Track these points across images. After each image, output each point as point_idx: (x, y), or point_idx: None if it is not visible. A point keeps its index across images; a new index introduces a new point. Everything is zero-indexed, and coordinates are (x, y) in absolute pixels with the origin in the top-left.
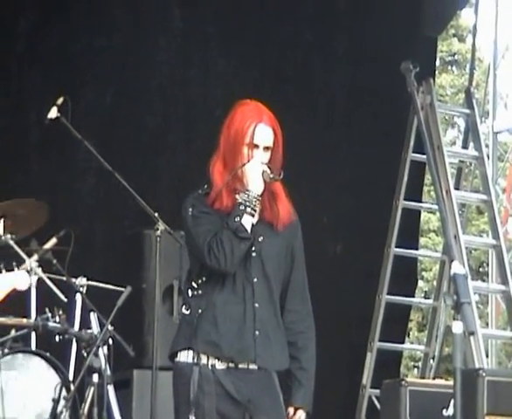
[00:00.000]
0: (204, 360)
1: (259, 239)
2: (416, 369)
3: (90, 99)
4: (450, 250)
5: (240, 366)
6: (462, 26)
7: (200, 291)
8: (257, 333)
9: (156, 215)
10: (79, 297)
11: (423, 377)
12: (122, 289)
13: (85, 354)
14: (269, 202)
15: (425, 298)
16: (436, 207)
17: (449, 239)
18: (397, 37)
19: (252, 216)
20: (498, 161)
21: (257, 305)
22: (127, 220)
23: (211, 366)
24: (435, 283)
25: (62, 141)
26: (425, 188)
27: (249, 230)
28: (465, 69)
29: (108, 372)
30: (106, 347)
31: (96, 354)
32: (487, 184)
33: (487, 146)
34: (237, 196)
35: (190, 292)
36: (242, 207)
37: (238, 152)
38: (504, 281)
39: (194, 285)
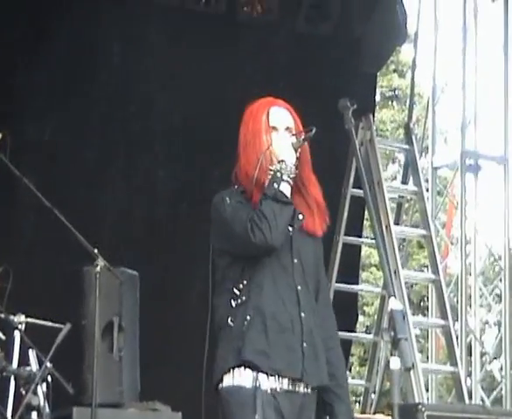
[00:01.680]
0: (264, 384)
1: (299, 219)
2: (357, 404)
3: (29, 134)
4: (388, 286)
5: (290, 387)
6: (402, 62)
7: (244, 298)
8: (305, 344)
9: (96, 251)
10: (17, 334)
11: (364, 412)
12: (62, 326)
13: (23, 392)
14: (304, 201)
15: (367, 332)
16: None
17: (387, 275)
18: (337, 73)
19: (290, 184)
20: (438, 196)
21: (303, 314)
22: (66, 256)
23: (271, 389)
24: (376, 317)
25: (1, 177)
26: (367, 223)
27: (289, 196)
28: (405, 104)
29: (47, 410)
30: (45, 385)
31: (35, 392)
32: (427, 219)
33: (427, 181)
34: (270, 168)
35: (233, 303)
36: (278, 174)
37: (258, 143)
38: (444, 316)
39: (236, 291)
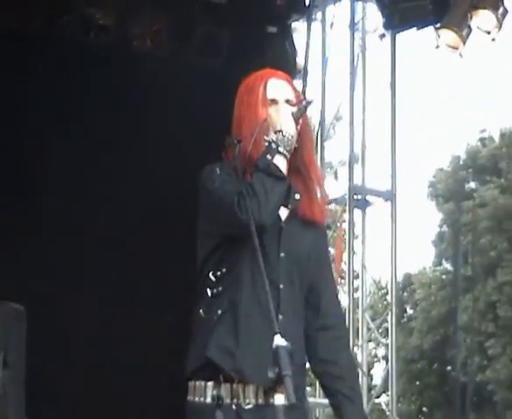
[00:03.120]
0: (227, 398)
1: (296, 198)
2: None
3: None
4: (273, 322)
5: (260, 401)
6: None
7: (220, 288)
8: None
9: None
10: None
11: None
12: None
13: None
14: (303, 184)
15: None
16: None
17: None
18: (228, 108)
19: (286, 158)
20: (327, 230)
21: (281, 317)
22: None
23: (236, 405)
24: None
25: None
26: None
27: (284, 171)
28: None
29: None
30: None
31: None
32: None
33: None
34: (265, 137)
35: (209, 292)
36: (273, 145)
37: (253, 117)
38: None
39: (212, 278)
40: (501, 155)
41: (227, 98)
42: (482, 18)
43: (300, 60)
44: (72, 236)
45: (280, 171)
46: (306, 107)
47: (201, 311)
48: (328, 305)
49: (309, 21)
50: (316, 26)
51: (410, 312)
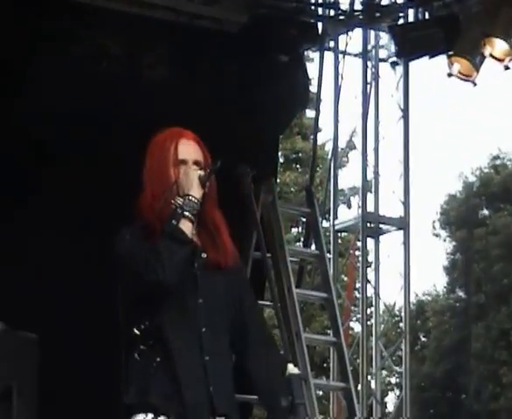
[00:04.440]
0: None
1: (201, 257)
2: None
3: None
4: (286, 351)
5: None
6: (306, 124)
7: (150, 341)
8: (211, 388)
9: None
10: None
11: None
12: None
13: None
14: (211, 238)
15: None
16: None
17: (285, 340)
18: (236, 137)
19: (192, 222)
20: (340, 258)
21: (207, 358)
22: None
23: None
24: None
25: None
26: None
27: (189, 235)
28: (308, 166)
29: None
30: None
31: None
32: (328, 282)
33: (329, 242)
34: (172, 201)
35: (139, 344)
36: (179, 210)
37: (165, 177)
38: (344, 378)
39: (136, 331)
40: None
41: (236, 128)
42: (495, 46)
43: (312, 88)
44: None
45: (185, 235)
46: (211, 173)
47: (136, 355)
48: (255, 338)
49: (322, 49)
50: (329, 54)
51: (423, 339)
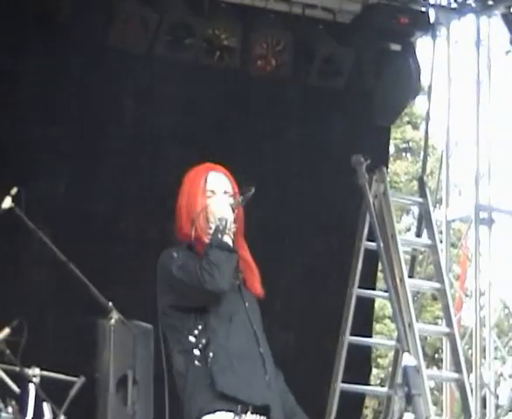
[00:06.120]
0: None
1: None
2: None
3: (43, 188)
4: (402, 340)
5: None
6: (416, 114)
7: (204, 341)
8: (267, 377)
9: (111, 304)
10: (32, 387)
11: None
12: (75, 379)
13: None
14: (245, 270)
15: (381, 385)
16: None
17: (401, 330)
18: (349, 126)
19: (231, 238)
20: (452, 248)
21: (262, 350)
22: (79, 309)
23: None
24: (390, 371)
25: (14, 231)
26: (381, 275)
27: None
28: (419, 156)
29: None
30: None
31: None
32: (441, 272)
33: (441, 232)
34: (211, 225)
35: (195, 351)
36: (221, 227)
37: (193, 205)
38: (458, 369)
39: (192, 339)
40: None
41: (349, 118)
42: None
43: (424, 78)
44: None
45: (231, 246)
46: (243, 200)
47: (195, 361)
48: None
49: (434, 38)
50: (441, 43)
51: None
